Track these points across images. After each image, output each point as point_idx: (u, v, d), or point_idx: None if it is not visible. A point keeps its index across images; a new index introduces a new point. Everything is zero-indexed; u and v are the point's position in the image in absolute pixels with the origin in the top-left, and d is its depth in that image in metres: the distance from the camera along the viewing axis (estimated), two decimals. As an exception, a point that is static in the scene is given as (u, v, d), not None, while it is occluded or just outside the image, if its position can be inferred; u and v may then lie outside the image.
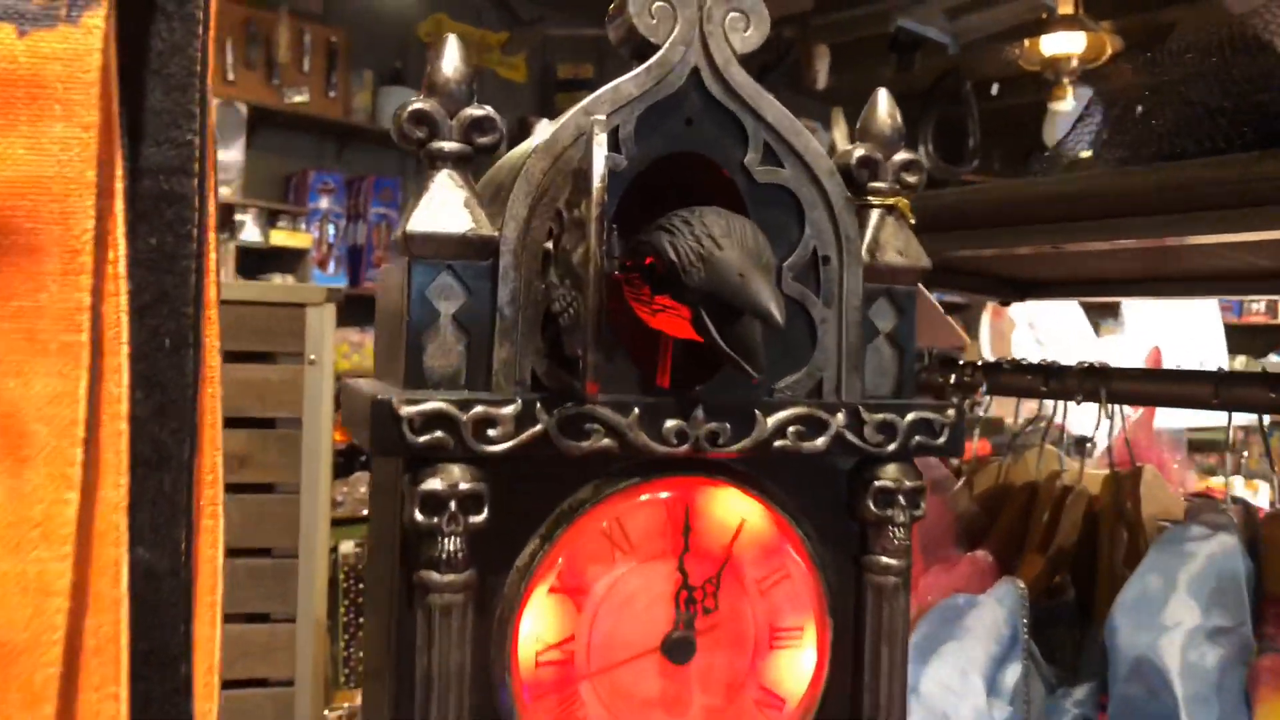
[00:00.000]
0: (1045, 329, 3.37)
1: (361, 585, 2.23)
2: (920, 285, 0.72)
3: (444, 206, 0.60)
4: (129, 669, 0.51)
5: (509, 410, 0.59)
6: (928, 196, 0.72)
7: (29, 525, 0.50)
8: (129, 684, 0.51)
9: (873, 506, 0.67)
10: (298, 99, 4.87)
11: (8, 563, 0.49)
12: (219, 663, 0.58)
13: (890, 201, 0.70)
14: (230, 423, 1.88)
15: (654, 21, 0.63)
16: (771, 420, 0.64)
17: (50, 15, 0.51)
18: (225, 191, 4.73)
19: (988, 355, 3.26)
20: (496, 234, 0.60)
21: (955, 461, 1.60)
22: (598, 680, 0.63)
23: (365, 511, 2.13)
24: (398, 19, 5.16)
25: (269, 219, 4.91)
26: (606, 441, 0.61)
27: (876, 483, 0.67)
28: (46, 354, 0.51)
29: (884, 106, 0.70)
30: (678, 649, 0.64)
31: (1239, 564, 1.16)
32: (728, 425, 0.63)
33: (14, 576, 0.49)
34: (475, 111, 0.61)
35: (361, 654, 2.16)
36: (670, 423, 0.62)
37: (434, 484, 0.58)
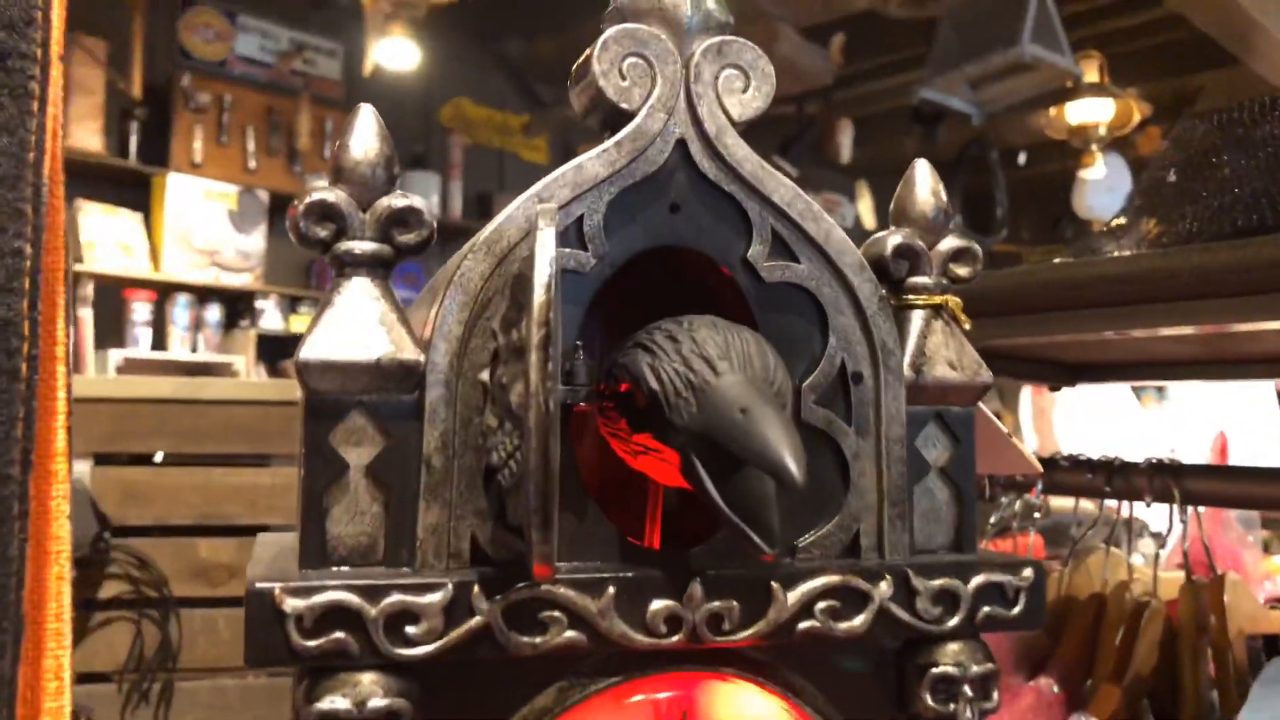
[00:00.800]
0: (1089, 404, 3.19)
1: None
2: (980, 404, 0.57)
3: (353, 325, 0.45)
4: None
5: (435, 598, 0.44)
6: (976, 279, 0.57)
7: None
8: None
9: (930, 700, 0.51)
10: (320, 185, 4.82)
11: None
12: None
13: (938, 300, 0.55)
14: (219, 531, 1.74)
15: (626, 83, 0.49)
16: (794, 595, 0.49)
17: None
18: (247, 279, 4.68)
19: (1029, 434, 3.07)
20: (421, 359, 0.46)
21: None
22: None
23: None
24: (419, 104, 5.14)
25: (290, 305, 4.84)
26: (571, 634, 0.46)
27: (934, 669, 0.51)
28: None
29: (924, 181, 0.56)
30: None
31: (1362, 706, 0.98)
32: (735, 604, 0.48)
33: None
34: (395, 202, 0.47)
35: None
36: (658, 604, 0.47)
37: (334, 702, 0.43)
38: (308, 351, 0.45)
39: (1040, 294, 1.08)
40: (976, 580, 0.51)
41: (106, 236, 3.96)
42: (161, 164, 4.27)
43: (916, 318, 0.55)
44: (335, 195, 0.46)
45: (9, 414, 0.44)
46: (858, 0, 3.95)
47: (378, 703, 0.43)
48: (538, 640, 0.45)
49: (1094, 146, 4.83)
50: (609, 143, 0.49)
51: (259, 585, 0.42)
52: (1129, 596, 1.29)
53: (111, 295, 3.79)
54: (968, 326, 0.55)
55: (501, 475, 0.44)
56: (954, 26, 4.28)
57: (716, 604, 0.47)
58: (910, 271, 0.55)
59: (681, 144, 0.50)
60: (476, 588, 0.44)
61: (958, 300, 0.55)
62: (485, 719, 0.47)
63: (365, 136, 0.47)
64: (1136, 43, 4.76)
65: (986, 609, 0.52)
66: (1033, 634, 1.29)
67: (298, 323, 4.91)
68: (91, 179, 3.85)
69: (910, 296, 0.55)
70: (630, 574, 0.47)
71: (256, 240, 4.78)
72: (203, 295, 4.59)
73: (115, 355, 3.62)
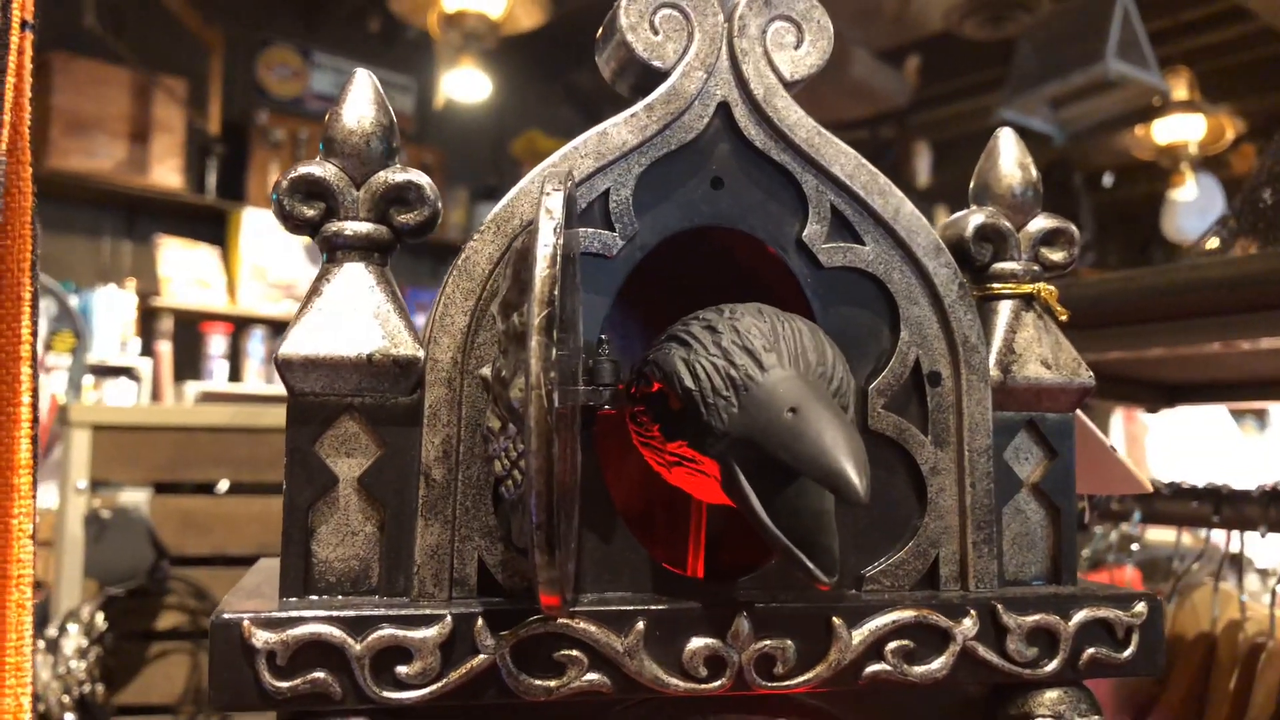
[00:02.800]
0: (1185, 433, 3.02)
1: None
2: (1079, 412, 0.49)
3: (343, 317, 0.39)
4: None
5: (431, 633, 0.37)
6: (1061, 288, 0.49)
7: None
8: None
9: (1025, 760, 0.43)
10: (392, 218, 4.85)
11: None
12: None
13: (1028, 289, 0.47)
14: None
15: (658, 38, 0.43)
16: (859, 633, 0.41)
17: None
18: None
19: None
20: (421, 355, 0.40)
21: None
22: None
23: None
24: (491, 137, 5.16)
25: (364, 338, 4.87)
26: (593, 677, 0.39)
27: (1030, 723, 0.43)
28: None
29: (1009, 152, 0.48)
30: None
31: None
32: (789, 643, 0.40)
33: None
34: (394, 176, 0.41)
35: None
36: (697, 642, 0.40)
37: (312, 755, 0.36)
38: (290, 347, 0.39)
39: (1138, 302, 0.98)
40: (1079, 616, 0.43)
41: (185, 271, 4.03)
42: (239, 199, 4.34)
43: (1004, 309, 0.47)
44: (324, 169, 0.40)
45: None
46: (933, 21, 3.86)
47: (363, 756, 0.36)
48: (553, 684, 0.38)
49: (1184, 166, 4.65)
50: (638, 106, 0.42)
51: (225, 615, 0.36)
52: (1242, 637, 1.17)
53: (189, 329, 3.84)
54: (1064, 318, 0.47)
55: (505, 487, 0.37)
56: (1034, 45, 4.15)
57: (767, 643, 0.40)
58: (995, 256, 0.47)
59: (724, 108, 0.43)
60: (480, 621, 0.38)
61: (1051, 289, 0.47)
62: (493, 776, 0.40)
63: (360, 103, 0.41)
64: (1228, 58, 4.58)
65: (1091, 650, 0.43)
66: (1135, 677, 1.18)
67: (372, 355, 4.92)
68: (170, 215, 3.92)
69: (995, 285, 0.47)
70: (664, 606, 0.40)
71: (333, 274, 4.82)
72: (278, 328, 4.64)
73: (193, 388, 3.67)
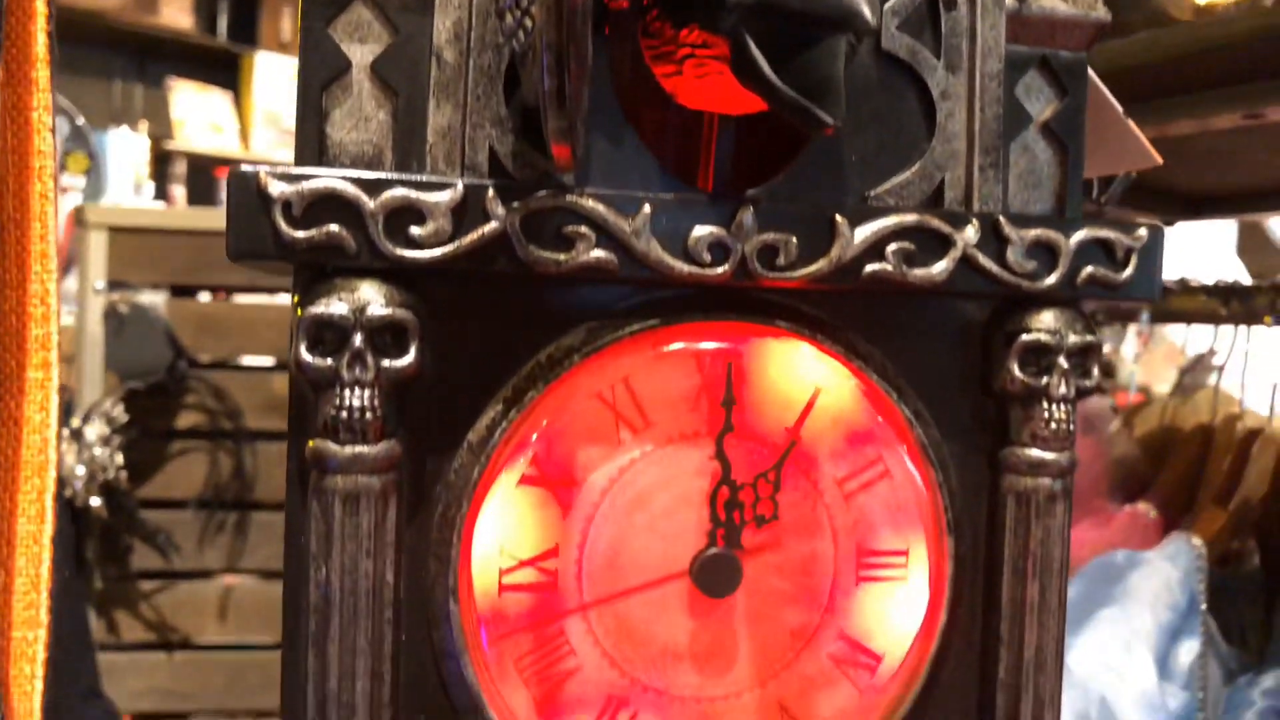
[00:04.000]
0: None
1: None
2: (1092, 74, 0.49)
3: (355, -104, 0.39)
4: None
5: (444, 197, 0.38)
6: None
7: None
8: None
9: (1018, 372, 0.44)
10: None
11: None
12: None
13: (1045, -76, 0.46)
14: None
15: None
16: (861, 232, 0.42)
17: None
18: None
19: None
20: (432, -64, 0.40)
21: (1109, 401, 1.34)
22: (594, 615, 0.42)
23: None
24: None
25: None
26: (600, 254, 0.40)
27: (1025, 336, 0.44)
28: None
29: None
30: (715, 575, 0.43)
31: None
32: (792, 238, 0.41)
33: None
34: None
35: None
36: (702, 230, 0.41)
37: (329, 306, 0.38)
38: (301, -79, 0.39)
39: (1161, 69, 0.97)
40: (1080, 234, 0.44)
41: (197, 115, 3.97)
42: (250, 43, 4.25)
43: (1019, -57, 0.46)
44: None
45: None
46: None
47: (378, 310, 0.38)
48: (562, 257, 0.39)
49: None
50: None
51: (244, 168, 0.37)
52: (1240, 426, 1.19)
53: (203, 173, 3.82)
54: (1082, -53, 0.46)
55: (515, 42, 0.38)
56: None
57: (771, 235, 0.41)
58: (1014, -110, 0.47)
59: None
60: (491, 191, 0.39)
61: (1070, -78, 0.47)
62: (507, 351, 0.42)
63: None
64: (1271, -90, 4.39)
65: (1090, 269, 0.44)
66: (1131, 459, 1.21)
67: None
68: (181, 57, 3.85)
69: (1013, -80, 0.47)
70: (671, 196, 0.41)
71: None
72: (291, 176, 4.61)
73: (207, 232, 3.67)
